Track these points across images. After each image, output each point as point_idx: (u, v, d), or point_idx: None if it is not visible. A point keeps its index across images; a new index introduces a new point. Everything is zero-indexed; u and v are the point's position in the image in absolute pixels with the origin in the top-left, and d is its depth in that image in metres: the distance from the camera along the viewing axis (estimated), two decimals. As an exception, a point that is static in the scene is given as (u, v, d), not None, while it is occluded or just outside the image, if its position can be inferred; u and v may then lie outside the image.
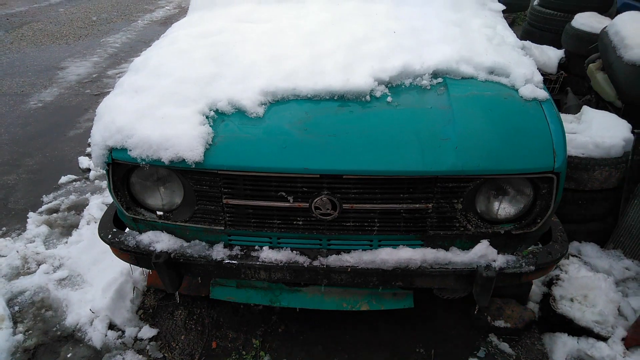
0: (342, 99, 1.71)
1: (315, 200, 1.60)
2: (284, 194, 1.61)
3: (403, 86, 1.78)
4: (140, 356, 2.12)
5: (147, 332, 2.23)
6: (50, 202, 3.29)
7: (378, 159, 1.54)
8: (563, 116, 2.92)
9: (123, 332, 2.22)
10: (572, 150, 2.45)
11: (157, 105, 1.68)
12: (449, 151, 1.55)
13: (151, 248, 1.73)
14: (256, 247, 1.73)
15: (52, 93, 5.27)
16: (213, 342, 2.20)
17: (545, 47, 4.46)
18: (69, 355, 2.13)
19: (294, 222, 1.67)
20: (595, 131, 2.57)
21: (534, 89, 1.73)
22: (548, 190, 1.61)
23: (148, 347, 2.16)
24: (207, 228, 1.72)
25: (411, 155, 1.54)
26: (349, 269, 1.66)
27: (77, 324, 2.25)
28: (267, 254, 1.70)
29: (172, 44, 2.12)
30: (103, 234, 1.83)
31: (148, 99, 1.72)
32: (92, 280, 2.41)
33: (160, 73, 1.88)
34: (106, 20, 8.45)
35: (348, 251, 1.70)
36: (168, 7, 9.73)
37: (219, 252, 1.72)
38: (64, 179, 3.56)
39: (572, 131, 2.67)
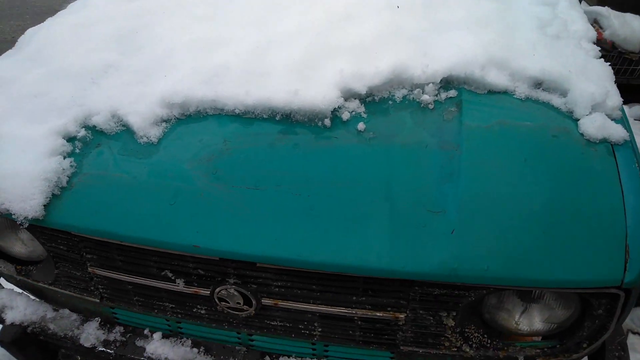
0: (287, 121, 1.09)
1: (218, 290, 1.02)
2: (169, 274, 1.03)
3: (390, 102, 1.13)
4: None
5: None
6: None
7: (315, 241, 0.91)
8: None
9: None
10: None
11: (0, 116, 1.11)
12: (440, 236, 0.90)
13: (2, 315, 1.22)
14: (145, 332, 1.18)
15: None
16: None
17: (629, 15, 3.51)
18: None
19: (194, 310, 1.10)
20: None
21: (604, 123, 1.03)
22: (607, 309, 0.95)
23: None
24: (79, 297, 1.19)
25: (373, 240, 0.91)
26: (274, 387, 1.09)
27: None
28: (157, 348, 1.14)
29: (79, 11, 1.51)
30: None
31: (-4, 102, 1.16)
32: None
33: (39, 57, 1.30)
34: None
35: (277, 356, 1.13)
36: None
37: (90, 334, 1.18)
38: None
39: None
